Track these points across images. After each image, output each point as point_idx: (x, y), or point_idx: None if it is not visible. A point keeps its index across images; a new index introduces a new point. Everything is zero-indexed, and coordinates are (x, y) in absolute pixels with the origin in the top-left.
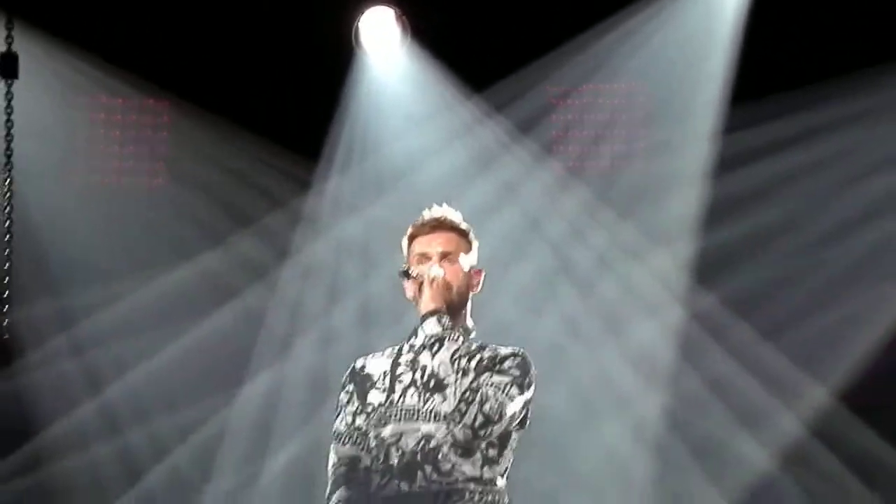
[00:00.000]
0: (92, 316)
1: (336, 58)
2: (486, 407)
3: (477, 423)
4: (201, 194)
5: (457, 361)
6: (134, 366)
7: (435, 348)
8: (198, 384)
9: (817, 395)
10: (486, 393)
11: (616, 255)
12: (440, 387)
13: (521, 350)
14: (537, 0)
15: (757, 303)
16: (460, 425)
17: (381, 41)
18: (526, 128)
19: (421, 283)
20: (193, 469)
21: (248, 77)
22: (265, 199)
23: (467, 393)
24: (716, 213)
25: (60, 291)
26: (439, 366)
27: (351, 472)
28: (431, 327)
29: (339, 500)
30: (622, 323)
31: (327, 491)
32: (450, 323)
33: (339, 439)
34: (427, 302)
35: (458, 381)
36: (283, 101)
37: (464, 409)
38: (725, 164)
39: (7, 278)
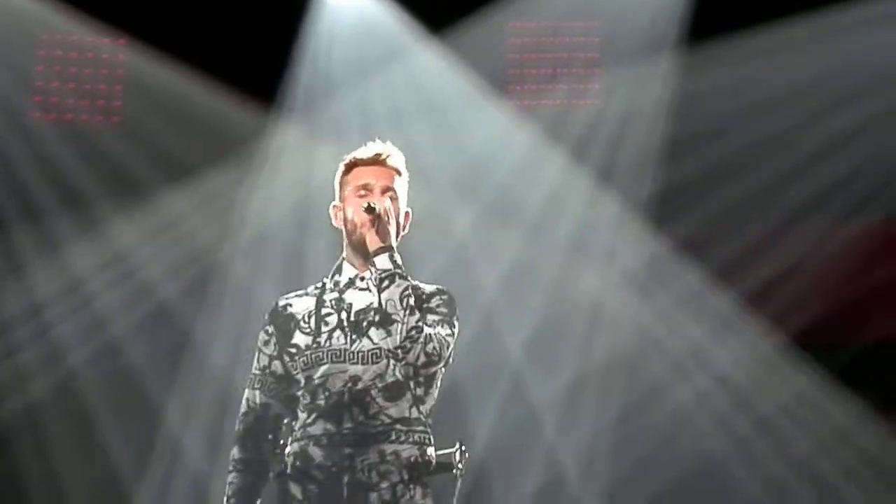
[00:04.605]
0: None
1: None
2: (430, 347)
3: (419, 362)
4: (156, 134)
5: (405, 299)
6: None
7: (384, 284)
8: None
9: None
10: (429, 333)
11: (568, 196)
12: (387, 322)
13: (445, 287)
14: None
15: (710, 243)
16: (402, 363)
17: None
18: (482, 66)
19: (371, 218)
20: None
21: (204, 17)
22: (220, 140)
23: (413, 331)
24: (673, 153)
25: (10, 230)
26: (387, 302)
27: (256, 424)
28: (383, 263)
29: (235, 461)
30: (572, 267)
31: (233, 444)
32: (399, 260)
33: (251, 383)
34: (378, 238)
35: (405, 319)
36: (239, 41)
37: (408, 346)
38: (683, 102)
39: None
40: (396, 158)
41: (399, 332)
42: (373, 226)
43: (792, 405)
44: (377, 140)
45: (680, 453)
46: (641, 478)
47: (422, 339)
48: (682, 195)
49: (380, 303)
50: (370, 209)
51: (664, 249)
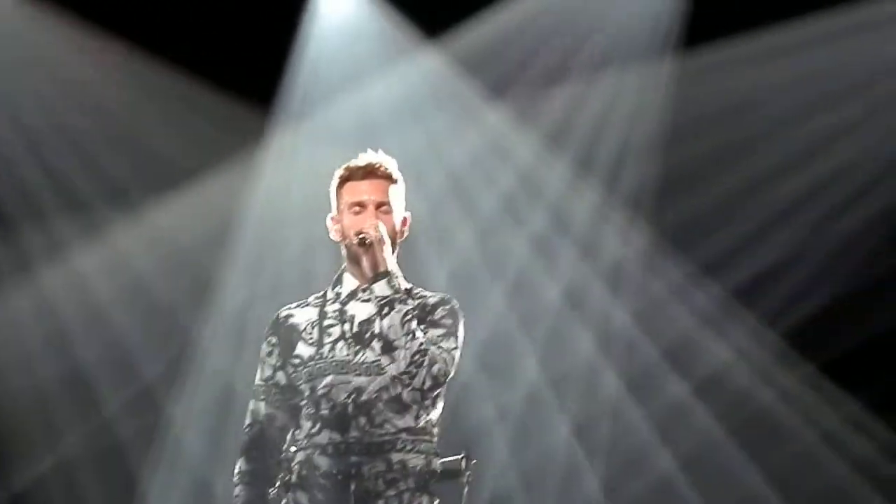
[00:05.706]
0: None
1: (288, 2)
2: (435, 369)
3: (426, 386)
4: (150, 140)
5: (407, 324)
6: None
7: (385, 311)
8: None
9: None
10: (434, 355)
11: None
12: (390, 348)
13: (448, 296)
14: None
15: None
16: (409, 388)
17: None
18: (478, 70)
19: (365, 243)
20: None
21: (197, 21)
22: (216, 146)
23: (417, 356)
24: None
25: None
26: (389, 328)
27: (261, 436)
28: (382, 289)
29: (241, 473)
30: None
31: (238, 457)
32: (399, 285)
33: (256, 395)
34: (374, 265)
35: (408, 345)
36: (233, 46)
37: (413, 371)
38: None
39: None
40: (389, 167)
41: (403, 357)
42: (367, 253)
43: (783, 403)
44: (369, 151)
45: (671, 449)
46: (633, 474)
47: (426, 363)
48: (672, 189)
49: (381, 328)
50: (362, 243)
51: (652, 243)
